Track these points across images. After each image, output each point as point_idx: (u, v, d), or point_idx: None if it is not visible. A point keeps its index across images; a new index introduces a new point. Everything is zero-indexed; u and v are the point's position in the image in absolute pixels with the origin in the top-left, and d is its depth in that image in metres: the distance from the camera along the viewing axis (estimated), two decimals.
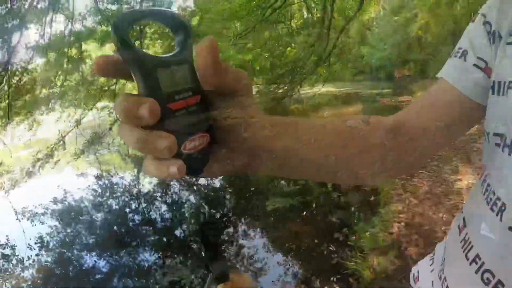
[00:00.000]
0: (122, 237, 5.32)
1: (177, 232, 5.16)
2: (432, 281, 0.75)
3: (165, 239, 4.99)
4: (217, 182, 6.59)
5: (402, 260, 3.36)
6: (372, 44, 23.44)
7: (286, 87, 11.05)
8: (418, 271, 0.86)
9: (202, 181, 6.78)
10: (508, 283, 0.51)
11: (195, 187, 6.73)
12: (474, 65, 0.62)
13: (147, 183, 7.71)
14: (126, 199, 6.86)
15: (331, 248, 3.96)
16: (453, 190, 4.42)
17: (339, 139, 0.56)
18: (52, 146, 7.86)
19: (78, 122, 8.35)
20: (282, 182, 6.23)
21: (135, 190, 7.66)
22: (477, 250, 0.57)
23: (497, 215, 0.54)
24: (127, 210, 6.40)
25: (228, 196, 6.21)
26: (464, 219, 0.64)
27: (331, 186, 5.69)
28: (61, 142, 7.94)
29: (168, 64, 0.40)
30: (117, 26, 0.37)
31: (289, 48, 12.65)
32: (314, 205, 5.32)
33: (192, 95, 0.42)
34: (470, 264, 0.57)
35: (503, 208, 0.53)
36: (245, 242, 4.48)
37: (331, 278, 3.51)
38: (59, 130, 8.33)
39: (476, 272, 0.56)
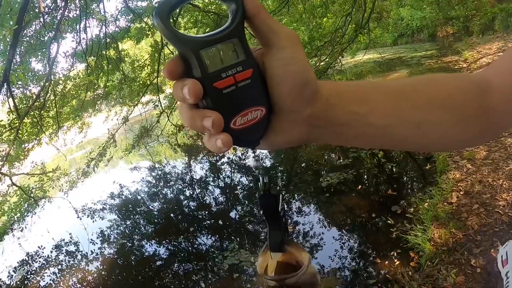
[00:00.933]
0: (179, 224, 5.49)
1: (232, 214, 5.24)
2: None
3: (220, 222, 5.08)
4: (267, 162, 6.61)
5: (463, 231, 3.22)
6: (410, 4, 22.42)
7: (327, 59, 10.85)
8: (507, 253, 0.79)
9: (252, 162, 6.86)
10: None
11: (245, 170, 6.79)
12: None
13: (199, 169, 7.87)
14: (180, 187, 7.04)
15: (389, 221, 3.86)
16: (511, 154, 4.17)
17: (413, 99, 0.52)
18: (103, 145, 8.16)
19: (125, 119, 8.59)
20: (332, 155, 6.17)
21: (187, 178, 7.85)
22: None
23: None
24: (182, 197, 6.57)
25: (279, 174, 6.21)
26: None
27: (383, 156, 5.55)
28: (112, 140, 8.21)
29: (211, 42, 0.41)
30: (159, 12, 0.39)
31: (325, 19, 12.30)
32: (367, 177, 5.23)
33: (241, 70, 0.42)
34: None
35: None
36: (300, 218, 4.47)
37: (391, 253, 3.44)
38: (108, 129, 8.63)
39: None
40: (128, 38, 9.94)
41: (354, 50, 13.08)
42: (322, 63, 10.66)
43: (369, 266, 3.47)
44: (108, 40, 8.09)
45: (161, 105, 8.82)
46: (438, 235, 3.28)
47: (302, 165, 6.30)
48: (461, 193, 3.75)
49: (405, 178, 4.92)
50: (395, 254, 3.41)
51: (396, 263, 3.30)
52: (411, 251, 3.36)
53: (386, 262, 3.37)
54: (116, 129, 8.64)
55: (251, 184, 5.89)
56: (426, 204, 3.82)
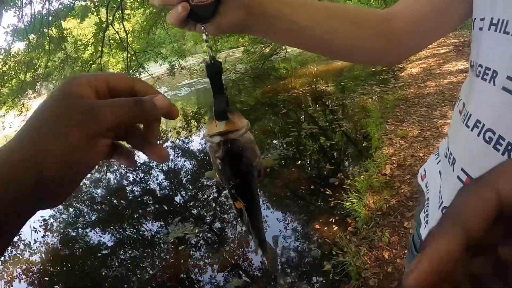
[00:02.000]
0: (123, 210, 5.34)
1: (177, 199, 5.18)
2: (439, 171, 0.82)
3: (165, 207, 5.01)
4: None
5: (396, 198, 3.46)
6: None
7: (272, 45, 11.03)
8: (424, 169, 0.93)
9: (196, 146, 6.78)
10: (508, 136, 0.56)
11: (190, 152, 6.73)
12: None
13: (142, 153, 7.64)
14: (123, 172, 6.83)
15: (327, 192, 4.06)
16: (442, 133, 4.52)
17: (329, 11, 0.69)
18: None
19: None
20: (274, 135, 6.28)
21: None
22: (476, 117, 0.62)
23: (489, 82, 0.59)
24: (125, 182, 6.38)
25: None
26: (463, 103, 0.70)
27: (322, 134, 5.78)
28: None
29: None
30: None
31: None
32: (306, 154, 5.41)
33: None
34: (472, 130, 0.63)
35: (494, 75, 0.58)
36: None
37: (330, 220, 3.61)
38: None
39: (478, 134, 0.61)
40: (72, 16, 9.49)
41: None
42: (267, 50, 10.83)
43: (310, 232, 3.61)
44: (51, 17, 7.63)
45: None
46: (373, 202, 3.50)
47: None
48: (394, 165, 4.02)
49: (342, 155, 5.17)
50: (333, 221, 3.60)
51: (335, 228, 3.48)
52: (348, 217, 3.56)
53: (326, 228, 3.55)
54: None
55: (195, 169, 5.86)
56: (362, 176, 4.05)
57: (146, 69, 13.11)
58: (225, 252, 3.57)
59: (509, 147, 0.56)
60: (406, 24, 0.72)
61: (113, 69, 14.78)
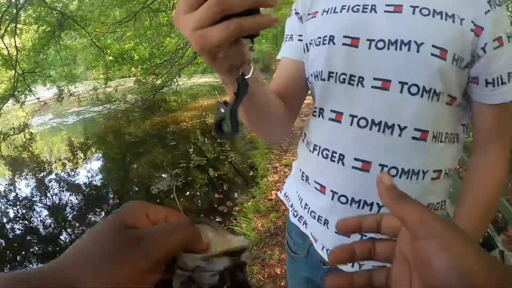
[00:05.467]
0: (3, 252, 4.71)
1: (63, 237, 4.77)
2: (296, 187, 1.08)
3: (50, 248, 4.55)
4: (97, 181, 6.28)
5: (282, 219, 3.71)
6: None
7: (164, 78, 11.05)
8: (284, 189, 1.19)
9: (82, 179, 6.40)
10: (338, 150, 0.86)
11: (76, 186, 6.32)
12: (299, 40, 0.97)
13: (24, 186, 6.88)
14: (1, 207, 6.04)
15: (217, 219, 4.17)
16: None
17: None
18: None
19: None
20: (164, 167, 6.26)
21: (11, 196, 6.76)
22: (312, 139, 0.95)
23: (318, 116, 0.93)
24: (5, 220, 5.65)
25: (111, 194, 5.95)
26: (305, 134, 1.02)
27: (210, 166, 5.94)
28: None
29: None
30: None
31: (168, 38, 12.52)
32: (196, 184, 5.50)
33: None
34: (312, 152, 0.94)
35: (322, 111, 0.92)
36: None
37: None
38: None
39: (318, 154, 0.92)
40: None
41: (191, 72, 13.55)
42: (158, 81, 10.83)
43: None
44: None
45: None
46: (261, 224, 3.71)
47: (134, 180, 6.19)
48: (279, 191, 4.30)
49: (230, 184, 5.35)
50: None
51: None
52: None
53: None
54: None
55: (82, 204, 5.50)
56: (250, 202, 4.26)
57: (33, 91, 11.92)
58: None
59: (341, 157, 0.85)
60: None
61: None
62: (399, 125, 0.80)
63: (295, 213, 1.06)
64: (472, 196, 0.92)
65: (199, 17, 0.44)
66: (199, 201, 4.97)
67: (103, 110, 12.57)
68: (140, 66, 13.48)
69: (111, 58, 13.74)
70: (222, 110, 0.53)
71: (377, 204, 0.84)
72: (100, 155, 8.00)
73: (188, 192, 5.22)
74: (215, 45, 0.45)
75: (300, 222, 1.04)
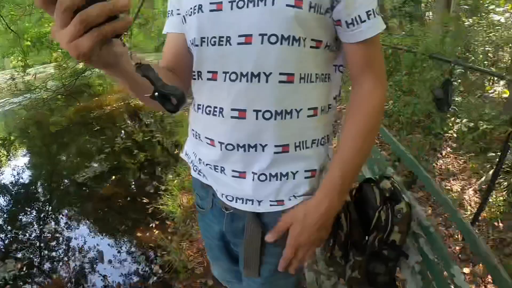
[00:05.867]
0: None
1: None
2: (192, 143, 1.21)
3: None
4: (25, 179, 6.03)
5: None
6: None
7: None
8: (185, 147, 1.28)
9: (7, 178, 6.09)
10: (218, 104, 0.98)
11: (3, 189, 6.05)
12: (177, 14, 1.06)
13: None
14: None
15: (144, 200, 4.33)
16: None
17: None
18: None
19: None
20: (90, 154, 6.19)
21: None
22: (196, 100, 1.07)
23: (198, 78, 1.03)
24: None
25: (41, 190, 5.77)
26: (193, 98, 1.13)
27: (138, 148, 6.01)
28: None
29: None
30: None
31: None
32: (121, 167, 5.58)
33: None
34: (197, 111, 1.06)
35: (200, 75, 1.02)
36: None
37: (150, 225, 3.89)
38: None
39: (202, 112, 1.03)
40: None
41: None
42: (80, 65, 10.37)
43: (133, 241, 3.79)
44: None
45: None
46: (186, 201, 3.90)
47: (64, 172, 6.04)
48: None
49: (156, 164, 5.46)
50: (153, 226, 3.87)
51: (156, 232, 3.75)
52: (166, 220, 3.87)
53: (147, 234, 3.78)
54: None
55: (11, 205, 5.21)
56: (176, 181, 4.42)
57: None
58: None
59: (220, 110, 0.95)
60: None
61: None
62: (264, 73, 0.89)
63: (195, 167, 1.17)
64: (349, 124, 1.00)
65: (70, 32, 0.55)
66: (126, 184, 5.06)
67: (23, 100, 11.89)
68: (60, 50, 12.73)
69: (28, 43, 12.95)
70: (156, 94, 0.67)
71: (260, 145, 0.96)
72: (25, 150, 7.69)
73: (114, 176, 5.27)
74: (87, 52, 0.57)
75: (201, 175, 1.15)
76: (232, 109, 0.93)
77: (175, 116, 6.96)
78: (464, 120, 4.88)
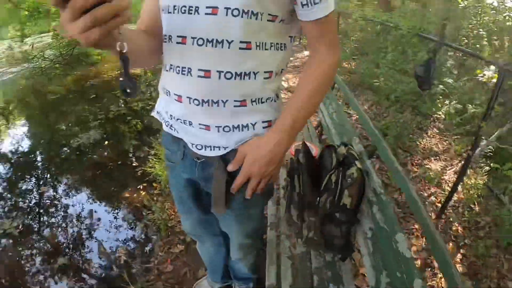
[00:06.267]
0: None
1: None
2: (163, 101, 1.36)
3: None
4: (24, 147, 6.21)
5: None
6: None
7: None
8: (156, 108, 1.43)
9: (6, 147, 6.20)
10: (188, 64, 1.11)
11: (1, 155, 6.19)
12: None
13: None
14: None
15: (134, 164, 4.54)
16: None
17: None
18: None
19: None
20: (86, 121, 6.32)
21: None
22: (167, 61, 1.20)
23: (168, 42, 1.15)
24: None
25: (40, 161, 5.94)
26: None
27: (131, 115, 6.15)
28: None
29: None
30: None
31: None
32: (114, 134, 5.78)
33: None
34: (168, 71, 1.20)
35: (170, 39, 1.14)
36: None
37: (138, 187, 4.10)
38: None
39: (173, 71, 1.17)
40: None
41: None
42: None
43: (122, 201, 4.00)
44: None
45: None
46: None
47: (62, 141, 6.13)
48: None
49: (148, 130, 5.60)
50: (141, 187, 4.08)
51: (143, 194, 3.97)
52: (154, 182, 4.07)
53: (135, 195, 4.00)
54: None
55: (10, 174, 5.34)
56: None
57: None
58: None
59: (189, 70, 1.09)
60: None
61: None
62: (227, 40, 1.03)
63: (166, 123, 1.32)
64: (303, 82, 1.19)
65: (82, 26, 0.68)
66: (117, 150, 5.24)
67: (22, 70, 11.94)
68: (58, 19, 12.64)
69: (26, 12, 12.90)
70: (121, 79, 0.86)
71: (222, 101, 1.12)
72: (24, 120, 7.81)
73: (106, 142, 5.47)
74: (95, 41, 0.71)
75: (172, 130, 1.31)
76: (199, 69, 1.08)
77: None
78: (453, 102, 4.96)
